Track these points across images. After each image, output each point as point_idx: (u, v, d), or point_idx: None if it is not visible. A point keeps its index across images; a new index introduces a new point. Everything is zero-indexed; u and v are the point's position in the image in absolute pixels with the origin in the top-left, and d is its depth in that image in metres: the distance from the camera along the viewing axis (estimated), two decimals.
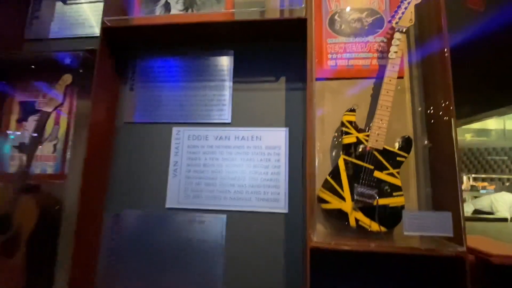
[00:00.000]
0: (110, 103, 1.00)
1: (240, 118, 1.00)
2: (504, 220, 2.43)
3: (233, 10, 1.00)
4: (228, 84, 1.03)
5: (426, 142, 0.88)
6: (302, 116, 0.96)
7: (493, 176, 4.35)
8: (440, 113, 0.82)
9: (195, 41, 1.05)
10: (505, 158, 3.98)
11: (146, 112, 1.05)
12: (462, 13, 1.70)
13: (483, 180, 4.67)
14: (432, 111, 0.87)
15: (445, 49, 0.79)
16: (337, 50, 0.96)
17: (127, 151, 1.02)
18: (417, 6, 0.87)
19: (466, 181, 4.97)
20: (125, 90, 1.06)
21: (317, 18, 0.99)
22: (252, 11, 0.96)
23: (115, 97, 1.04)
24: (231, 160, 0.97)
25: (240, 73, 1.03)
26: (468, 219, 2.66)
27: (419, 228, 0.71)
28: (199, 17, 1.03)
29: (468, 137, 4.51)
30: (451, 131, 0.76)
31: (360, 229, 0.81)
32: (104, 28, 0.93)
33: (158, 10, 1.06)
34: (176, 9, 1.05)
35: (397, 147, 0.83)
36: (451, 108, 0.76)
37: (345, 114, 0.87)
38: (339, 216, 0.83)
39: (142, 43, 1.08)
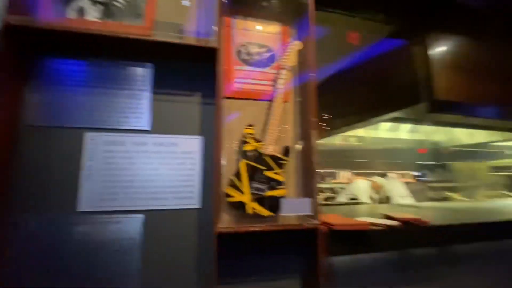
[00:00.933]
0: (11, 105, 0.94)
1: (160, 126, 1.12)
2: (361, 203, 3.33)
3: (153, 32, 1.11)
4: (146, 94, 1.12)
5: (299, 144, 1.23)
6: (212, 127, 1.16)
7: (364, 171, 5.77)
8: (309, 126, 1.18)
9: (111, 49, 1.10)
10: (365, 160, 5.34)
11: (52, 115, 1.02)
12: (344, 46, 2.29)
13: (356, 174, 6.12)
14: (305, 125, 1.23)
15: (313, 81, 1.15)
16: (242, 76, 1.21)
17: (30, 155, 0.98)
18: (299, 52, 1.21)
19: (348, 175, 6.37)
20: (29, 92, 1.00)
21: (227, 48, 1.21)
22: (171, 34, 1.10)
23: (17, 99, 0.97)
24: (149, 164, 1.08)
25: (160, 84, 1.14)
26: (342, 204, 3.51)
27: (291, 210, 1.03)
28: (116, 27, 1.09)
29: (353, 141, 5.82)
30: (312, 139, 1.12)
31: (256, 216, 1.08)
32: (6, 26, 0.88)
33: (71, 13, 1.05)
34: (92, 15, 1.07)
35: (281, 153, 1.14)
36: (314, 122, 1.12)
37: (246, 128, 1.12)
38: (240, 206, 1.07)
39: (50, 45, 1.04)
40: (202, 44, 1.10)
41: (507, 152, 6.13)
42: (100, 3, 1.09)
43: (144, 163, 1.08)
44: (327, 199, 4.59)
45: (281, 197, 1.10)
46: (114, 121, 1.08)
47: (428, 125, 2.42)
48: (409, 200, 4.00)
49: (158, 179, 1.08)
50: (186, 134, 1.14)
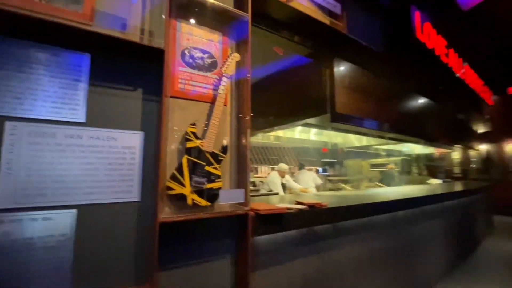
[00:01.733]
0: None
1: (96, 119, 1.09)
2: (276, 194, 3.84)
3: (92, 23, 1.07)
4: (82, 84, 1.08)
5: (225, 140, 1.41)
6: (155, 123, 1.22)
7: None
8: (243, 126, 1.38)
9: (42, 32, 1.01)
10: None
11: None
12: (271, 55, 2.58)
13: (274, 169, 6.84)
14: (240, 125, 1.43)
15: (248, 87, 1.35)
16: (185, 77, 1.30)
17: None
18: (236, 61, 1.38)
19: (267, 169, 7.03)
20: None
21: (172, 49, 1.27)
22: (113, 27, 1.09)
23: None
24: (84, 158, 1.05)
25: (100, 76, 1.11)
26: (263, 195, 3.92)
27: (227, 199, 1.21)
28: (49, 10, 1.01)
29: (272, 139, 6.44)
30: (246, 138, 1.32)
31: (195, 206, 1.20)
32: None
33: None
34: None
35: (219, 150, 1.30)
36: (247, 124, 1.32)
37: (189, 126, 1.23)
38: (181, 198, 1.17)
39: None
40: (147, 43, 1.14)
41: (381, 153, 8.02)
42: None
43: (78, 157, 1.04)
44: (254, 190, 5.02)
45: (219, 189, 1.26)
46: (43, 110, 1.00)
47: (330, 130, 3.04)
48: (314, 190, 4.82)
49: (94, 174, 1.07)
50: (127, 129, 1.15)
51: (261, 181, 5.73)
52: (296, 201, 1.80)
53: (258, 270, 1.43)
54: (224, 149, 1.32)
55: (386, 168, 8.13)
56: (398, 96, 2.98)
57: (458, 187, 4.30)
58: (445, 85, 3.58)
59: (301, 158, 8.29)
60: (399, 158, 8.76)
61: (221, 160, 1.30)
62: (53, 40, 1.03)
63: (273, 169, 6.88)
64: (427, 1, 2.94)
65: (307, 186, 4.79)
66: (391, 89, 2.82)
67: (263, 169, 6.79)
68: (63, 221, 0.99)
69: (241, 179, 1.37)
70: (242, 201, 1.26)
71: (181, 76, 1.29)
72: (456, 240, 3.51)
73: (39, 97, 1.00)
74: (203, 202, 1.22)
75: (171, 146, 1.23)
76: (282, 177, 4.53)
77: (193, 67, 1.33)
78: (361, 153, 7.96)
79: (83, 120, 1.07)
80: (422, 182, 6.69)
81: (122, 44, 1.09)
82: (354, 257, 1.97)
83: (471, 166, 8.12)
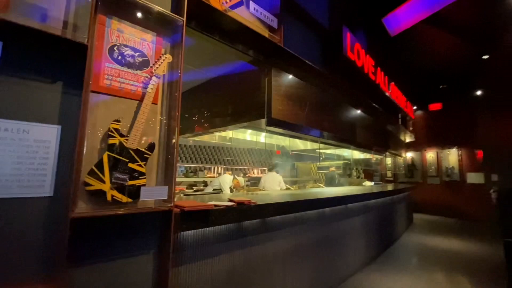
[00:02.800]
0: None
1: (6, 110, 1.04)
2: (221, 191, 3.93)
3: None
4: None
5: (149, 139, 1.46)
6: (76, 118, 1.20)
7: (233, 166, 6.59)
8: (173, 125, 1.43)
9: None
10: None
11: None
12: (213, 58, 2.63)
13: (228, 169, 6.96)
14: (169, 125, 1.48)
15: (179, 88, 1.41)
16: (112, 73, 1.30)
17: None
18: (168, 62, 1.43)
19: (220, 169, 7.09)
20: None
21: (99, 44, 1.27)
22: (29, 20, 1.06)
23: None
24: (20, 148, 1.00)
25: (9, 64, 1.06)
26: (208, 193, 3.97)
27: (149, 196, 1.25)
28: None
29: (226, 140, 6.50)
30: (174, 137, 1.38)
31: (115, 202, 1.22)
32: None
33: None
34: None
35: (146, 148, 1.33)
36: (177, 124, 1.38)
37: (112, 123, 1.24)
38: (100, 194, 1.18)
39: None
40: (69, 37, 1.13)
41: (323, 156, 8.71)
42: None
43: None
44: (197, 190, 4.98)
45: (142, 185, 1.29)
46: None
47: (266, 133, 3.25)
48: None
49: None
50: (41, 122, 1.12)
51: (211, 180, 5.76)
52: (228, 199, 1.90)
53: (183, 264, 1.50)
54: (151, 147, 1.35)
55: (328, 171, 8.85)
56: (332, 106, 3.33)
57: (383, 188, 4.95)
58: (374, 99, 4.09)
59: (254, 159, 8.54)
60: (341, 162, 9.62)
61: (147, 157, 1.33)
62: None
63: (226, 169, 6.99)
64: (360, 25, 3.34)
65: (272, 189, 4.96)
66: (326, 99, 3.14)
67: (215, 169, 6.82)
68: None
69: (168, 177, 1.42)
70: (165, 198, 1.31)
71: (108, 72, 1.29)
72: (378, 234, 4.02)
73: None
74: (124, 199, 1.24)
75: (92, 142, 1.22)
76: (234, 184, 4.62)
77: (121, 64, 1.34)
78: (310, 156, 8.52)
79: None
80: (359, 184, 7.48)
81: (40, 36, 1.07)
82: (282, 251, 2.16)
83: (399, 170, 9.39)
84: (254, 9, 2.03)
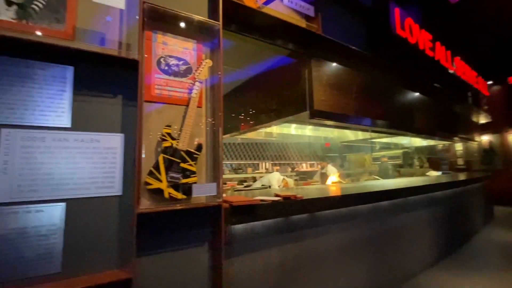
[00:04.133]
0: None
1: (81, 124, 1.24)
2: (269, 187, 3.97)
3: (73, 41, 1.22)
4: (67, 94, 1.23)
5: (196, 141, 1.55)
6: (134, 126, 1.36)
7: (281, 162, 6.62)
8: (217, 126, 1.51)
9: (30, 50, 1.16)
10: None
11: None
12: (251, 57, 2.68)
13: (275, 165, 7.01)
14: (213, 126, 1.56)
15: (220, 90, 1.48)
16: (161, 83, 1.44)
17: None
18: (209, 67, 1.51)
19: (268, 165, 7.20)
20: None
21: (148, 58, 1.41)
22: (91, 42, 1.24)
23: None
24: (71, 158, 1.21)
25: (81, 85, 1.26)
26: (256, 189, 4.06)
27: (200, 192, 1.35)
28: (33, 30, 1.15)
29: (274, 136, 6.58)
30: (218, 136, 1.46)
31: (172, 199, 1.35)
32: None
33: None
34: (7, 16, 1.11)
35: (194, 149, 1.44)
36: (220, 124, 1.46)
37: (164, 128, 1.37)
38: (158, 192, 1.32)
39: None
40: (124, 55, 1.28)
41: (377, 146, 8.06)
42: (16, 4, 1.13)
43: (65, 158, 1.20)
44: (247, 186, 5.15)
45: (193, 183, 1.40)
46: (32, 118, 1.15)
47: (314, 126, 3.14)
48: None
49: (79, 172, 1.22)
50: (108, 131, 1.30)
51: (261, 176, 5.88)
52: (275, 194, 1.93)
53: (235, 256, 1.58)
54: (199, 148, 1.46)
55: (381, 162, 8.19)
56: (383, 91, 3.06)
57: (454, 178, 4.35)
58: (435, 79, 3.62)
59: (301, 153, 8.42)
60: (399, 151, 8.76)
61: (196, 157, 1.44)
62: (40, 56, 1.18)
63: (274, 165, 7.05)
64: None
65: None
66: (375, 85, 2.90)
67: (263, 165, 6.94)
68: (53, 213, 1.15)
69: (215, 174, 1.51)
70: (215, 194, 1.40)
71: (158, 83, 1.43)
72: (448, 230, 3.57)
73: (29, 106, 1.15)
74: (179, 196, 1.36)
75: (149, 146, 1.37)
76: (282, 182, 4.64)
77: (168, 74, 1.47)
78: (362, 147, 7.99)
79: (68, 125, 1.22)
80: (422, 174, 6.72)
81: (101, 57, 1.24)
82: (334, 246, 2.09)
83: (474, 157, 8.08)
84: (288, 0, 1.99)
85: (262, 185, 4.33)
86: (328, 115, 2.33)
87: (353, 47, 2.38)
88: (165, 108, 1.44)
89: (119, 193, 1.30)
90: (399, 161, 8.74)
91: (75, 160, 1.22)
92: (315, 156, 8.81)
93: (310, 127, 4.99)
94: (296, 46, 2.19)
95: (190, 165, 1.41)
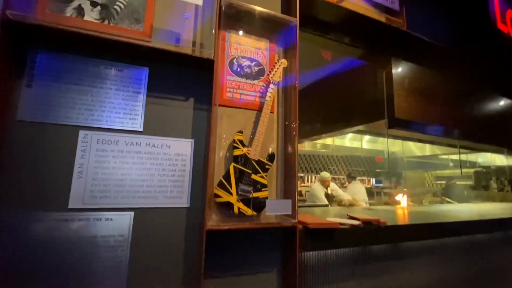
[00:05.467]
0: (3, 99, 0.92)
1: (152, 128, 1.17)
2: (325, 205, 3.61)
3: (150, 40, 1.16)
4: (141, 96, 1.17)
5: (270, 149, 1.36)
6: (205, 131, 1.24)
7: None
8: (290, 135, 1.32)
9: (108, 50, 1.13)
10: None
11: (45, 112, 1.02)
12: (318, 60, 2.50)
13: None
14: (287, 133, 1.37)
15: (296, 94, 1.30)
16: (233, 86, 1.31)
17: (20, 151, 0.97)
18: (284, 68, 1.35)
19: (313, 178, 6.77)
20: (20, 86, 0.99)
21: (221, 59, 1.30)
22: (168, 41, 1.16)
23: (11, 93, 0.96)
24: (141, 164, 1.13)
25: (154, 87, 1.19)
26: (311, 206, 3.75)
27: (274, 210, 1.16)
28: (114, 30, 1.12)
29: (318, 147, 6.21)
30: (293, 145, 1.26)
31: (241, 215, 1.18)
32: (3, 20, 0.87)
33: (69, 12, 1.06)
34: (91, 16, 1.10)
35: (266, 159, 1.27)
36: (295, 131, 1.26)
37: (236, 134, 1.23)
38: (227, 206, 1.17)
39: (47, 41, 1.04)
40: (198, 54, 1.18)
41: (450, 164, 6.99)
42: (100, 4, 1.12)
43: (136, 163, 1.12)
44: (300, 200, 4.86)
45: (265, 198, 1.22)
46: (108, 120, 1.11)
47: (387, 138, 2.75)
48: (365, 204, 4.43)
49: (149, 179, 1.13)
50: (179, 136, 1.21)
51: (307, 191, 5.53)
52: (348, 215, 1.65)
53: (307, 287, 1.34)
54: (271, 157, 1.28)
55: (452, 182, 7.06)
56: (473, 97, 2.55)
57: None
58: None
59: (351, 168, 7.77)
60: (471, 169, 7.54)
61: (268, 168, 1.26)
62: (119, 57, 1.14)
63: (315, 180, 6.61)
64: None
65: (362, 201, 4.42)
66: (463, 89, 2.43)
67: (311, 178, 6.56)
68: (122, 222, 1.07)
69: (288, 189, 1.31)
70: (289, 213, 1.19)
71: (229, 85, 1.31)
72: None
73: (106, 108, 1.11)
74: (249, 212, 1.19)
75: (219, 153, 1.24)
76: (326, 187, 4.23)
77: (240, 76, 1.34)
78: (424, 163, 7.07)
79: (140, 128, 1.15)
80: (504, 199, 5.60)
81: (176, 57, 1.16)
82: (421, 284, 1.70)
83: None
84: None
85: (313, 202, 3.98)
86: (409, 124, 1.98)
87: (441, 45, 2.00)
88: (235, 113, 1.31)
89: (187, 205, 1.17)
90: (470, 182, 7.50)
91: (146, 166, 1.13)
92: (365, 171, 8.05)
93: (367, 138, 4.54)
94: (373, 44, 1.92)
95: (262, 177, 1.24)
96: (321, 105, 2.76)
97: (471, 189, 6.97)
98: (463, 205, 3.87)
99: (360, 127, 2.21)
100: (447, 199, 5.05)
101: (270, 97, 1.29)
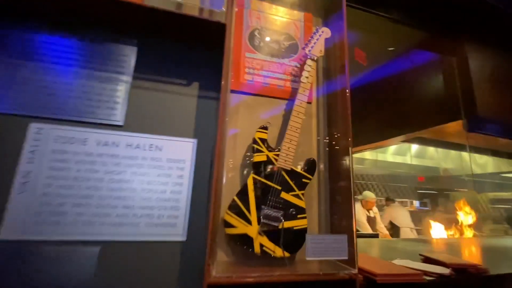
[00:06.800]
0: None
1: (137, 122, 0.81)
2: (374, 235, 2.97)
3: None
4: (126, 78, 0.83)
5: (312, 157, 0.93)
6: (213, 128, 0.86)
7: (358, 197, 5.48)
8: (340, 141, 0.89)
9: (85, 19, 0.82)
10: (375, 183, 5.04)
11: None
12: (350, 64, 2.05)
13: (356, 200, 5.83)
14: (333, 138, 0.94)
15: (347, 89, 0.88)
16: (254, 65, 0.93)
17: None
18: (326, 40, 0.94)
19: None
20: None
21: (237, 29, 0.94)
22: (166, 1, 0.83)
23: None
24: (118, 173, 0.76)
25: (143, 68, 0.85)
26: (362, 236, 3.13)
27: (320, 253, 0.70)
28: None
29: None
30: (348, 157, 0.82)
31: (264, 255, 0.75)
32: None
33: None
34: None
35: (302, 169, 0.84)
36: (349, 138, 0.83)
37: (257, 131, 0.82)
38: (244, 241, 0.74)
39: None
40: (206, 16, 0.83)
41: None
42: None
43: (109, 172, 0.76)
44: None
45: (303, 230, 0.78)
46: (75, 110, 0.77)
47: (468, 151, 2.14)
48: (414, 232, 3.68)
49: (127, 196, 0.76)
50: (175, 135, 0.83)
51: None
52: (422, 256, 1.12)
53: None
54: (310, 166, 0.85)
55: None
56: None
57: None
58: None
59: (386, 186, 6.88)
60: None
61: (306, 184, 0.83)
62: (95, 25, 0.83)
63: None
64: None
65: (406, 226, 3.68)
66: None
67: None
68: (82, 264, 0.69)
69: (339, 218, 0.85)
70: (345, 257, 0.72)
71: (249, 64, 0.93)
72: None
73: (73, 93, 0.78)
74: (278, 252, 0.75)
75: (233, 159, 0.84)
76: (368, 209, 3.55)
77: (265, 53, 0.96)
78: (480, 183, 6.01)
79: (120, 122, 0.79)
80: None
81: (176, 22, 0.82)
82: None
83: None
84: None
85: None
86: (498, 126, 1.43)
87: None
88: (257, 102, 0.92)
89: (182, 238, 0.77)
90: None
91: (124, 176, 0.76)
92: (405, 192, 7.08)
93: (413, 151, 3.87)
94: (437, 25, 1.46)
95: (297, 196, 0.80)
96: (364, 111, 2.28)
97: None
98: None
99: (421, 131, 1.69)
100: None
101: (307, 77, 0.88)
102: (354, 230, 0.76)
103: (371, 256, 1.00)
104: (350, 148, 0.82)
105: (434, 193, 6.70)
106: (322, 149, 0.96)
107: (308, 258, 0.69)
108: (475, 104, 1.36)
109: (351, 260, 0.73)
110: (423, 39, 1.56)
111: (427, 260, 1.08)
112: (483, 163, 3.69)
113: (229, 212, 0.75)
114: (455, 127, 1.49)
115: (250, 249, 0.74)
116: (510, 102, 1.50)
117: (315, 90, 1.01)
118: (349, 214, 0.79)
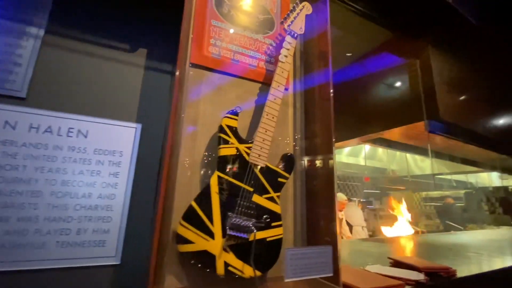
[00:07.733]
0: None
1: (49, 95, 0.56)
2: None
3: None
4: (34, 30, 0.57)
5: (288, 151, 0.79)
6: (165, 111, 0.66)
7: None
8: (320, 137, 0.76)
9: None
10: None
11: None
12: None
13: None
14: (311, 133, 0.81)
15: (329, 82, 0.75)
16: (222, 36, 0.75)
17: None
18: (307, 16, 0.81)
19: None
20: None
21: None
22: None
23: None
24: (14, 169, 0.51)
25: (65, 19, 0.60)
26: None
27: (301, 271, 0.55)
28: None
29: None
30: (330, 155, 0.70)
31: (230, 276, 0.58)
32: None
33: None
34: None
35: (278, 165, 0.69)
36: (331, 135, 0.70)
37: (225, 117, 0.64)
38: (204, 261, 0.56)
39: None
40: None
41: (453, 184, 6.69)
42: None
43: (1, 167, 0.50)
44: None
45: (277, 242, 0.62)
46: None
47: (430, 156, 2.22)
48: (365, 230, 3.85)
49: (27, 204, 0.51)
50: (108, 117, 0.60)
51: None
52: (391, 260, 1.07)
53: None
54: (288, 163, 0.70)
55: (443, 203, 6.78)
56: None
57: None
58: None
59: (340, 185, 7.25)
60: (461, 191, 7.32)
61: (282, 184, 0.68)
62: None
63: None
64: None
65: (358, 225, 3.85)
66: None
67: None
68: None
69: (320, 225, 0.72)
70: (330, 273, 0.59)
71: (215, 34, 0.74)
72: None
73: None
74: (247, 271, 0.58)
75: (191, 153, 0.64)
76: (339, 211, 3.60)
77: (235, 24, 0.79)
78: (419, 182, 6.70)
79: (22, 94, 0.54)
80: (503, 223, 5.30)
81: None
82: None
83: None
84: None
85: None
86: (456, 130, 1.49)
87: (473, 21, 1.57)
88: (225, 81, 0.74)
89: (115, 260, 0.55)
90: (461, 204, 7.25)
91: (24, 174, 0.51)
92: (354, 192, 7.57)
93: (364, 152, 4.08)
94: (408, 25, 1.45)
95: (272, 199, 0.65)
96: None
97: (463, 211, 6.68)
98: (481, 232, 3.39)
99: (379, 133, 1.70)
100: (450, 223, 4.63)
101: (286, 55, 0.73)
102: (337, 240, 0.63)
103: (349, 266, 0.90)
104: (332, 145, 0.70)
105: (378, 192, 7.30)
106: (298, 143, 0.82)
107: (287, 280, 0.53)
108: (436, 105, 1.39)
109: (335, 275, 0.60)
110: (388, 40, 1.56)
111: (397, 264, 1.02)
112: (424, 166, 4.06)
113: (183, 222, 0.55)
114: (413, 129, 1.52)
115: (212, 271, 0.56)
116: (469, 105, 1.58)
117: (292, 81, 0.87)
118: (330, 219, 0.67)
